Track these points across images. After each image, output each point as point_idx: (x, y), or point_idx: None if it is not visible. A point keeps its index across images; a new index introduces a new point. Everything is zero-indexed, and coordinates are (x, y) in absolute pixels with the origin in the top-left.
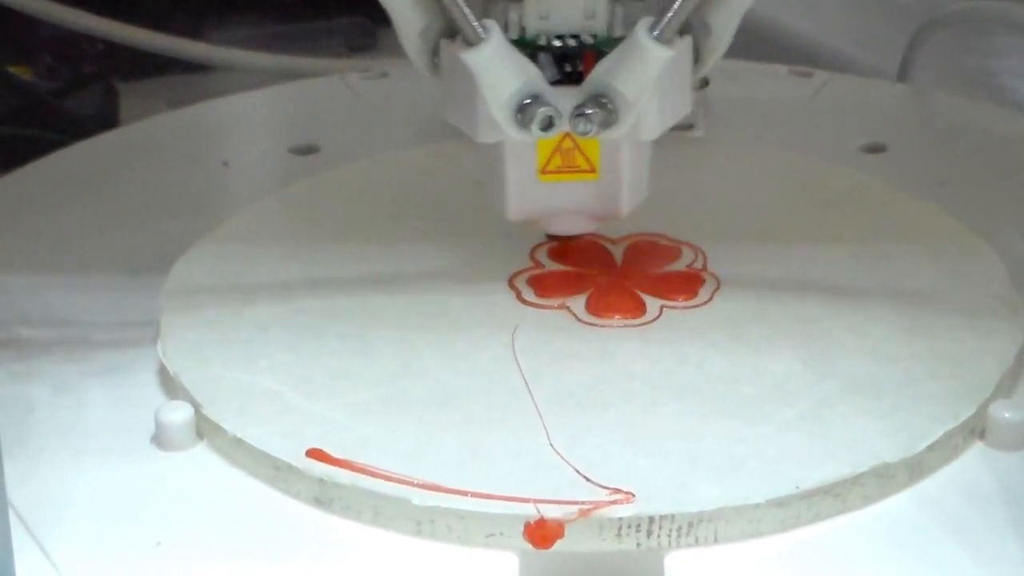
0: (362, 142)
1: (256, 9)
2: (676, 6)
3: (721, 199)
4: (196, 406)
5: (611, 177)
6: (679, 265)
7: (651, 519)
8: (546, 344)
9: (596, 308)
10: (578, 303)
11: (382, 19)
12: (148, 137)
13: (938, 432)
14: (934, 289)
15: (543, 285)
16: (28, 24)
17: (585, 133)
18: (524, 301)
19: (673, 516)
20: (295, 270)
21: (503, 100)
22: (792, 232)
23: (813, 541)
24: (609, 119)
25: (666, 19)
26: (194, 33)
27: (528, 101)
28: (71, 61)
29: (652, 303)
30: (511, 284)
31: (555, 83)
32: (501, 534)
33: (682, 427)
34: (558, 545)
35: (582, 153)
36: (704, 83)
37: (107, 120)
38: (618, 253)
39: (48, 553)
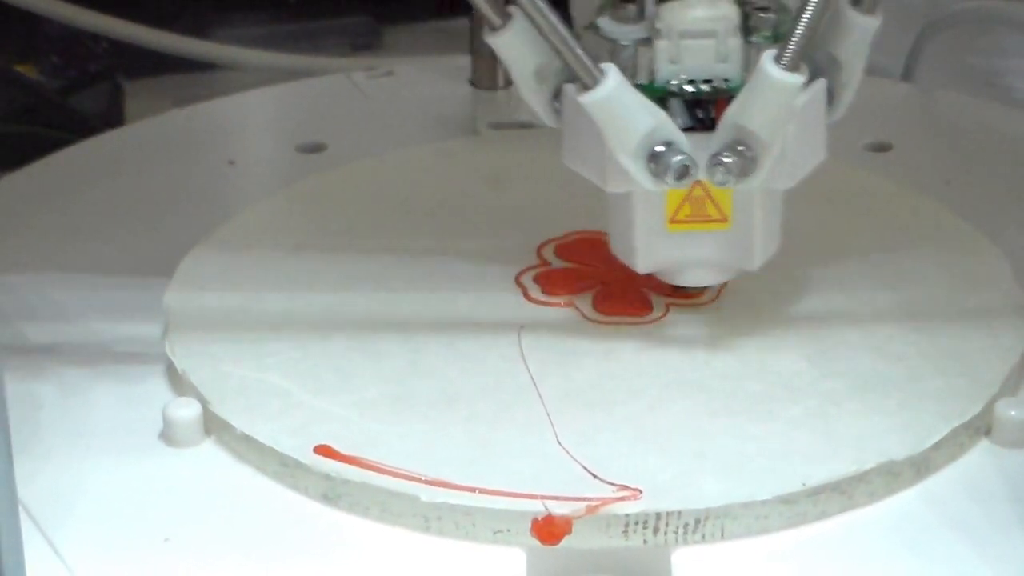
0: (368, 140)
1: (262, 8)
2: (799, 30)
3: None
4: (204, 403)
5: (743, 227)
6: None
7: (658, 515)
8: (553, 342)
9: (603, 306)
10: (585, 301)
11: (387, 18)
12: (154, 135)
13: (944, 430)
14: (940, 287)
15: (550, 283)
16: (34, 22)
17: (723, 183)
18: (531, 299)
19: (680, 513)
20: (302, 267)
21: (631, 147)
22: (798, 230)
23: (819, 538)
24: (747, 167)
25: (790, 44)
26: (200, 32)
27: (660, 149)
28: (77, 59)
29: (658, 301)
30: (518, 282)
31: (687, 130)
32: (509, 530)
33: (689, 424)
34: (565, 541)
35: (713, 202)
36: None
37: (113, 118)
38: None
39: (57, 549)
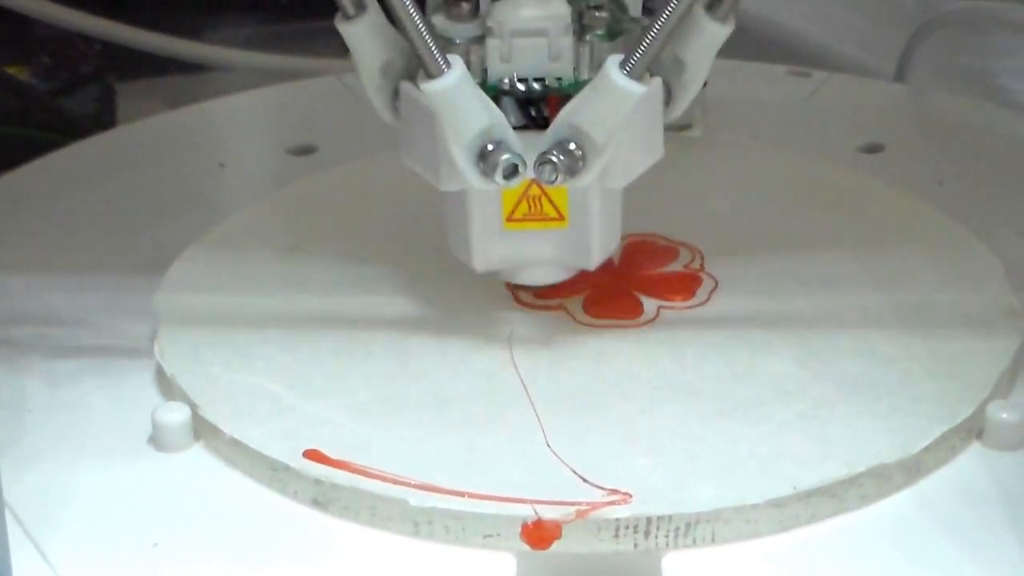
0: (359, 143)
1: (254, 9)
2: (648, 40)
3: (719, 199)
4: (193, 407)
5: (580, 226)
6: (676, 265)
7: (649, 520)
8: (543, 345)
9: (593, 309)
10: (575, 304)
11: None
12: (145, 137)
13: (936, 433)
14: (931, 289)
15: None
16: (25, 24)
17: (551, 181)
18: (521, 302)
19: (671, 517)
20: (292, 270)
21: (465, 142)
22: (790, 232)
23: (811, 542)
24: (576, 166)
25: (638, 53)
26: (192, 33)
27: (490, 147)
28: (68, 61)
29: (649, 304)
30: (508, 285)
31: (519, 128)
32: (498, 535)
33: (680, 428)
34: (555, 546)
35: (550, 201)
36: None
37: (104, 120)
38: (615, 253)
39: (44, 554)
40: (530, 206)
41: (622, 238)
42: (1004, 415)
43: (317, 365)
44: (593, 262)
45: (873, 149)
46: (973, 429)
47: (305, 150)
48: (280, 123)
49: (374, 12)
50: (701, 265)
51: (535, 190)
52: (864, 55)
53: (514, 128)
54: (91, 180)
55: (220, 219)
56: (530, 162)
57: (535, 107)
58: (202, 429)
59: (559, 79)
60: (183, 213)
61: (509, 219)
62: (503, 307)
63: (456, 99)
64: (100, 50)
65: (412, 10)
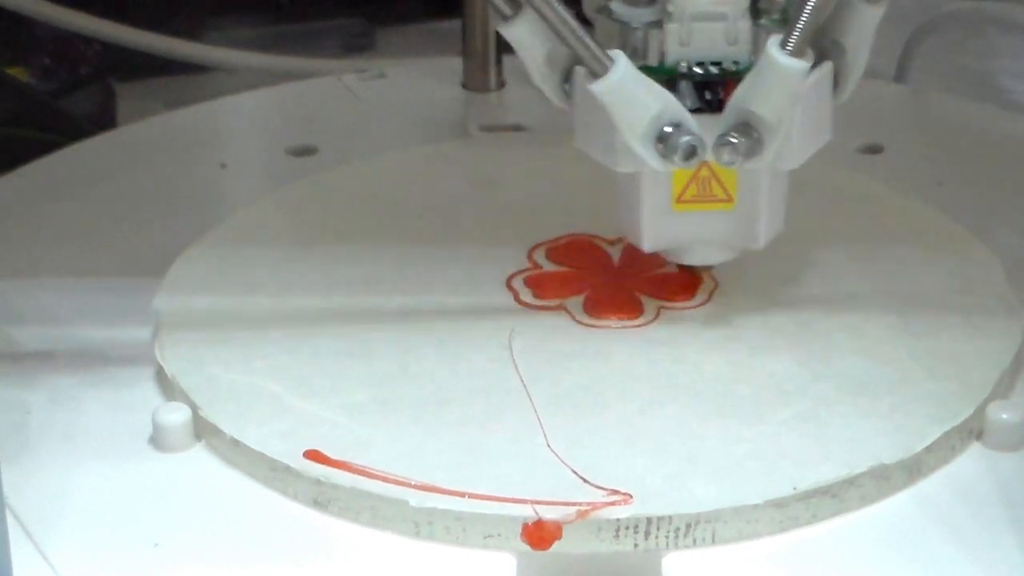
0: (359, 143)
1: (254, 10)
2: (803, 16)
3: None
4: (194, 407)
5: (748, 207)
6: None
7: (649, 520)
8: (544, 345)
9: (594, 309)
10: (576, 304)
11: (379, 20)
12: (145, 138)
13: (936, 433)
14: (931, 289)
15: (541, 286)
16: (25, 25)
17: (731, 163)
18: (522, 302)
19: (671, 517)
20: (292, 271)
21: (640, 130)
22: (789, 233)
23: (811, 542)
24: (754, 148)
25: (795, 31)
26: (191, 34)
27: (669, 130)
28: (68, 62)
29: (650, 304)
30: (509, 285)
31: (695, 111)
32: (499, 535)
33: (680, 428)
34: (556, 546)
35: (719, 182)
36: None
37: (104, 121)
38: (616, 254)
39: (46, 555)
40: (699, 188)
41: (622, 238)
42: (1004, 415)
43: (317, 365)
44: (760, 242)
45: (873, 150)
46: (973, 429)
47: (305, 151)
48: (280, 124)
49: (530, 7)
50: None
51: (705, 172)
52: None
53: (689, 111)
54: (91, 181)
55: (220, 220)
56: (707, 144)
57: (711, 90)
58: (203, 429)
59: (736, 62)
60: (184, 214)
61: (679, 200)
62: (503, 307)
63: (624, 93)
64: (100, 51)
65: (567, 16)
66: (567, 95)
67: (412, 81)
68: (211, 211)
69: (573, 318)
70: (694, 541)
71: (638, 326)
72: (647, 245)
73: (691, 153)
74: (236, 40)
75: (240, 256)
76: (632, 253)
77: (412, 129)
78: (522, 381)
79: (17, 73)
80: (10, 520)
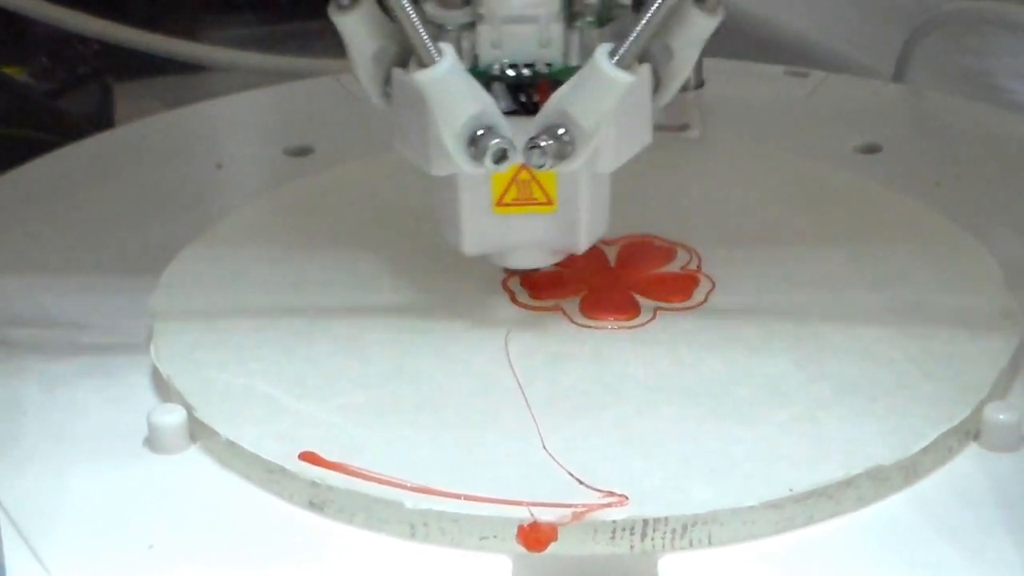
0: (356, 144)
1: (251, 9)
2: (637, 30)
3: (716, 200)
4: (189, 409)
5: (569, 210)
6: (673, 266)
7: (645, 522)
8: (540, 346)
9: (590, 310)
10: (572, 305)
11: None
12: (143, 138)
13: (932, 434)
14: (928, 290)
15: (537, 287)
16: (23, 25)
17: (540, 166)
18: (518, 303)
19: (667, 519)
20: (288, 272)
21: (456, 129)
22: (787, 233)
23: (808, 543)
24: (564, 151)
25: (626, 44)
26: (189, 33)
27: (481, 132)
28: (66, 62)
29: (646, 305)
30: (505, 286)
31: (509, 113)
32: (494, 537)
33: (676, 429)
34: (552, 548)
35: (539, 185)
36: (700, 84)
37: (102, 121)
38: (612, 254)
39: (39, 556)
40: (519, 190)
41: (619, 239)
42: (1001, 416)
43: (313, 367)
44: (581, 245)
45: (871, 149)
46: (970, 430)
47: (302, 151)
48: (277, 124)
49: (367, 2)
50: (698, 266)
51: (524, 175)
52: (862, 55)
53: (504, 113)
54: (89, 180)
55: (217, 220)
56: (519, 147)
57: (525, 93)
58: (198, 431)
59: (549, 65)
60: (180, 214)
61: (499, 203)
62: (500, 308)
63: (447, 87)
64: (98, 50)
65: (407, 2)
66: (388, 97)
67: None
68: (208, 211)
69: (570, 319)
70: (691, 543)
71: (635, 327)
72: (468, 249)
73: (501, 156)
74: (234, 40)
75: (236, 257)
76: (629, 254)
77: None
78: (518, 382)
79: (15, 72)
80: (4, 521)
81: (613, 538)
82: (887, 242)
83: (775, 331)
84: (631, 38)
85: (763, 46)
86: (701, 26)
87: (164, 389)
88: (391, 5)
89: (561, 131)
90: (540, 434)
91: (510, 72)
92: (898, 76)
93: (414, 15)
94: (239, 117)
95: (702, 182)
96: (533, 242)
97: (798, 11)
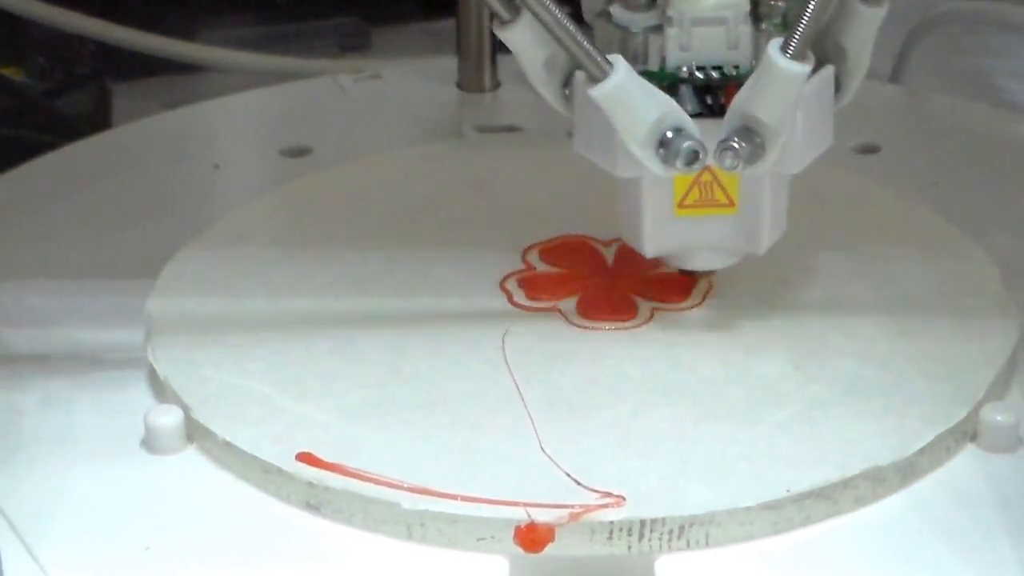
0: (354, 144)
1: (249, 9)
2: (804, 20)
3: None
4: (186, 409)
5: (751, 211)
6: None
7: (642, 522)
8: (537, 347)
9: (587, 311)
10: (569, 305)
11: (375, 20)
12: (140, 138)
13: (930, 435)
14: (926, 291)
15: (534, 287)
16: (20, 25)
17: (733, 167)
18: (515, 303)
19: (664, 519)
20: (285, 273)
21: (640, 135)
22: (784, 234)
23: (805, 544)
24: (756, 152)
25: (796, 34)
26: (187, 34)
27: (670, 135)
28: (63, 62)
29: (643, 305)
30: (502, 286)
31: (695, 116)
32: (491, 538)
33: (673, 430)
34: (549, 549)
35: (721, 187)
36: None
37: (99, 121)
38: (610, 255)
39: (37, 557)
40: (701, 192)
41: (616, 239)
42: (999, 417)
43: (310, 367)
44: (763, 247)
45: (868, 150)
46: (967, 431)
47: (299, 151)
48: (274, 124)
49: (528, 13)
50: None
51: (707, 176)
52: None
53: (690, 115)
54: (86, 181)
55: (214, 221)
56: (709, 149)
57: (712, 95)
58: (195, 432)
59: (736, 67)
60: (177, 214)
61: (680, 205)
62: (497, 309)
63: (623, 98)
64: (95, 51)
65: (566, 22)
66: (567, 100)
67: (407, 81)
68: (205, 212)
69: (567, 320)
70: (688, 543)
71: (632, 328)
72: (649, 250)
73: (693, 158)
74: (231, 40)
75: (233, 258)
76: (626, 254)
77: (406, 130)
78: (515, 383)
79: (12, 73)
80: (1, 522)
81: (610, 539)
82: (885, 242)
83: (772, 332)
84: (800, 28)
85: None
86: (867, 18)
87: (161, 390)
88: (551, 30)
89: (751, 132)
90: (537, 435)
91: (698, 74)
92: (896, 76)
93: (577, 34)
94: (236, 118)
95: None
96: (713, 244)
97: None
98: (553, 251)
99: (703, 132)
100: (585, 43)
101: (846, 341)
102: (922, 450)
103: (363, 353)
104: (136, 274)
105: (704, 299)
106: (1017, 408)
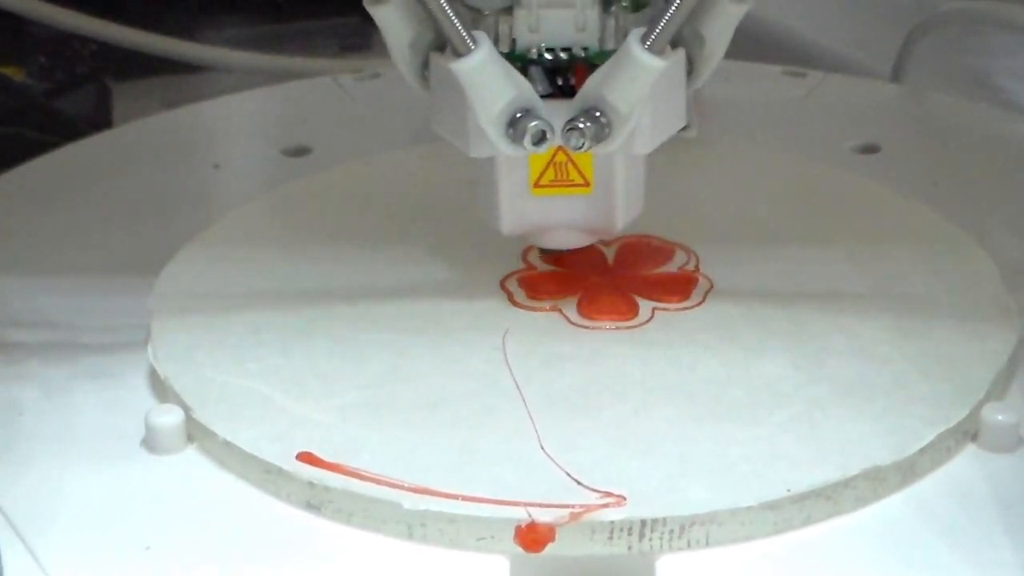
0: (354, 144)
1: (249, 9)
2: (668, 16)
3: (714, 200)
4: (186, 409)
5: (605, 191)
6: (671, 267)
7: (643, 522)
8: (537, 346)
9: (588, 310)
10: (570, 305)
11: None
12: (141, 138)
13: (930, 434)
14: (926, 291)
15: (535, 287)
16: (21, 25)
17: (578, 147)
18: (516, 303)
19: (665, 519)
20: (286, 272)
21: (494, 113)
22: (785, 233)
23: (805, 544)
24: (602, 133)
25: (657, 29)
26: (188, 33)
27: (519, 115)
28: (64, 62)
29: (644, 305)
30: (503, 286)
31: (546, 97)
32: (492, 538)
33: (674, 430)
34: (549, 549)
35: (576, 167)
36: None
37: (100, 121)
38: (610, 254)
39: (37, 557)
40: (556, 172)
41: (617, 239)
42: (999, 417)
43: (310, 367)
44: (617, 226)
45: (869, 149)
46: (968, 431)
47: (300, 151)
48: (275, 124)
49: None
50: (696, 266)
51: (561, 156)
52: (860, 55)
53: (541, 96)
54: (86, 181)
55: (214, 220)
56: (557, 129)
57: (562, 76)
58: (195, 431)
59: (585, 49)
60: (178, 214)
61: (536, 185)
62: (498, 308)
63: (484, 75)
64: (96, 51)
65: None
66: (425, 81)
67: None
68: (206, 211)
69: (567, 319)
70: (688, 543)
71: (632, 327)
72: (506, 228)
73: (540, 138)
74: (232, 40)
75: (234, 257)
76: (627, 254)
77: (407, 129)
78: (515, 382)
79: (13, 73)
80: (1, 521)
81: (611, 538)
82: (885, 242)
83: (773, 331)
84: (662, 24)
85: (761, 46)
86: (730, 13)
87: (161, 390)
88: (425, 2)
89: (598, 113)
90: (538, 434)
91: (547, 56)
92: (896, 76)
93: (447, 6)
94: (237, 117)
95: (700, 182)
96: (570, 223)
97: (796, 11)
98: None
99: (553, 113)
100: (454, 17)
101: (846, 341)
102: (922, 450)
103: (363, 353)
104: (137, 273)
105: (705, 299)
106: (1018, 408)
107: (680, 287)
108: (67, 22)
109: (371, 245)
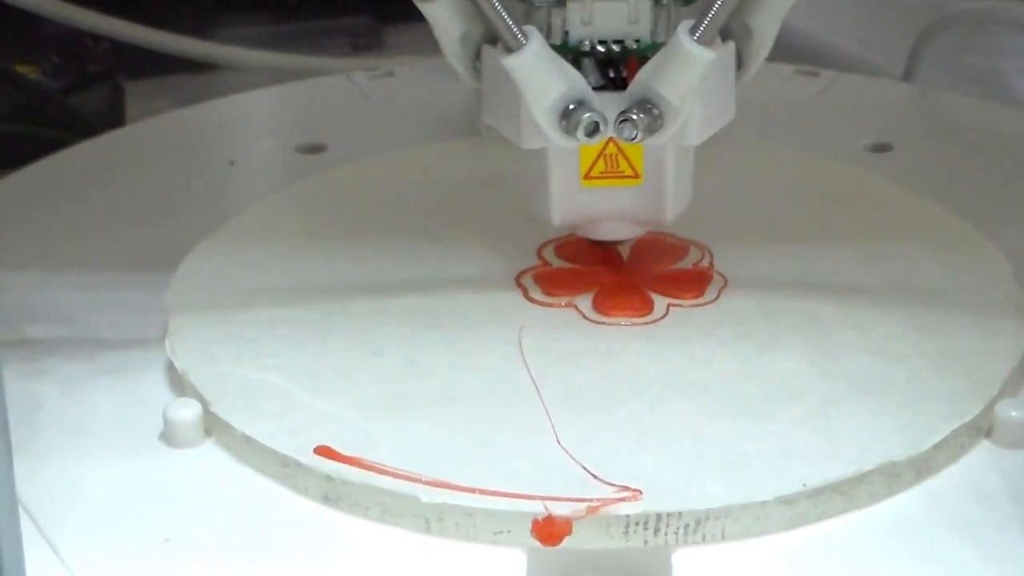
0: (368, 141)
1: (262, 8)
2: (715, 7)
3: (728, 198)
4: (204, 403)
5: (655, 183)
6: (686, 263)
7: (659, 516)
8: (553, 342)
9: (603, 306)
10: (585, 301)
11: (388, 18)
12: (154, 136)
13: (945, 430)
14: (940, 288)
15: (550, 283)
16: (34, 23)
17: (630, 139)
18: (531, 299)
19: (680, 513)
20: (302, 268)
21: (546, 106)
22: (799, 231)
23: (820, 539)
24: (654, 124)
25: (706, 21)
26: (200, 32)
27: (572, 107)
28: (77, 60)
29: (659, 301)
30: (518, 282)
31: (599, 89)
32: (509, 531)
33: (689, 425)
34: (566, 542)
35: (626, 159)
36: None
37: (113, 119)
38: (625, 251)
39: (57, 550)
40: (607, 164)
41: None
42: (1013, 413)
43: (327, 362)
44: (667, 217)
45: (881, 148)
46: (982, 427)
47: (314, 148)
48: (289, 121)
49: None
50: (711, 263)
51: (612, 148)
52: (872, 54)
53: (593, 88)
54: (100, 178)
55: (230, 217)
56: (610, 121)
57: (614, 68)
58: (213, 425)
59: (637, 41)
60: (193, 211)
61: (587, 176)
62: (513, 304)
63: (535, 69)
64: (109, 49)
65: None
66: (478, 73)
67: (421, 79)
68: (221, 208)
69: (583, 315)
70: (704, 537)
71: (647, 323)
72: (557, 219)
73: (593, 129)
74: (245, 38)
75: (250, 253)
76: (641, 250)
77: (421, 127)
78: (532, 378)
79: (27, 71)
80: (22, 515)
81: (627, 532)
82: (899, 240)
83: (787, 328)
84: (710, 15)
85: (774, 46)
86: (776, 5)
87: (179, 384)
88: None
89: (651, 105)
90: (554, 429)
91: (599, 48)
92: (908, 75)
93: (496, 4)
94: (251, 115)
95: (714, 180)
96: (620, 214)
97: (808, 11)
98: (568, 247)
99: (605, 105)
100: (503, 13)
101: (860, 338)
102: (937, 446)
103: (380, 348)
104: (154, 269)
105: (720, 295)
106: None
107: (695, 283)
108: (81, 20)
109: (386, 241)
